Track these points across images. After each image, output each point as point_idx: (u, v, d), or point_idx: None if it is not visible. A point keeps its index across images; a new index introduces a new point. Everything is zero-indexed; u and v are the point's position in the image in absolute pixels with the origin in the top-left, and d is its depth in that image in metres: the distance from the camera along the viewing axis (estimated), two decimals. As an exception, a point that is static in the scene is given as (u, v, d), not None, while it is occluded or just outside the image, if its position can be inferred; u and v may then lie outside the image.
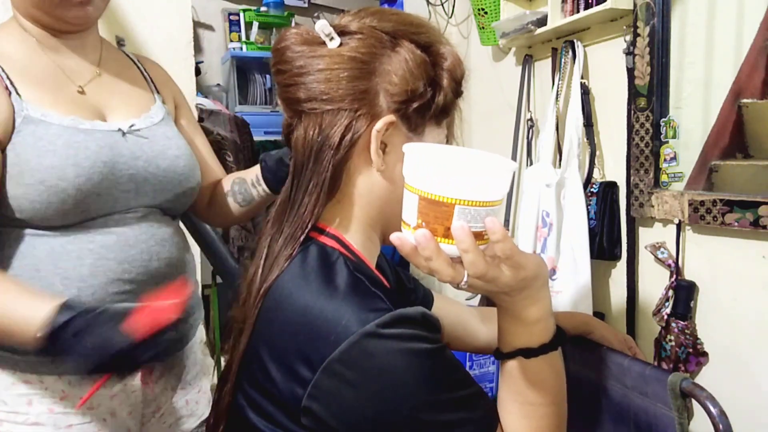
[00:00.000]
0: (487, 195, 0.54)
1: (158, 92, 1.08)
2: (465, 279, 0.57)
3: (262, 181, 1.04)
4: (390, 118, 0.65)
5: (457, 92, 0.71)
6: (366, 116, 0.65)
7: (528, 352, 0.63)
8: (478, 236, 0.55)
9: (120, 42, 1.15)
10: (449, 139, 0.74)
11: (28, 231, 0.88)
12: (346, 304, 0.59)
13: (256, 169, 1.05)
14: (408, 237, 0.57)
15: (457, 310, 1.00)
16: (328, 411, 0.57)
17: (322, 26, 0.66)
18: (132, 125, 0.96)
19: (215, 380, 1.34)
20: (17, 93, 0.87)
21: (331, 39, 0.66)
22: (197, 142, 1.14)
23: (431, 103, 0.68)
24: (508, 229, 1.78)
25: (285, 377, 0.60)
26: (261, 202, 1.07)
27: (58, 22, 0.92)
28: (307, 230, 0.66)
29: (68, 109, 0.91)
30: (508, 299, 0.61)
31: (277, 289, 0.65)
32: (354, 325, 0.57)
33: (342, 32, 0.67)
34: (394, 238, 0.58)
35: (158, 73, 1.13)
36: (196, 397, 1.10)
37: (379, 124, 0.65)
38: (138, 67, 1.10)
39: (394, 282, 0.89)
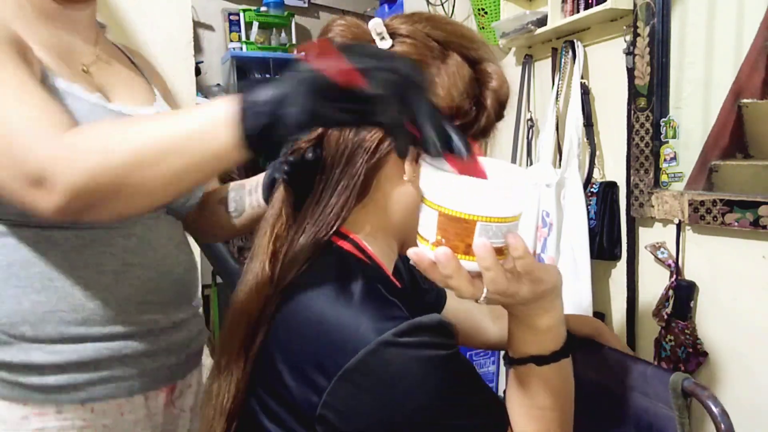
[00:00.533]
0: (509, 211, 0.53)
1: (148, 82, 0.97)
2: (484, 294, 0.56)
3: (260, 188, 0.89)
4: None
5: (499, 115, 0.69)
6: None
7: (539, 360, 0.63)
8: (499, 252, 0.54)
9: (101, 26, 1.02)
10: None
11: (34, 232, 0.74)
12: (362, 313, 0.58)
13: (258, 177, 0.91)
14: (426, 252, 0.56)
15: (468, 307, 1.00)
16: (343, 419, 0.57)
17: (376, 25, 0.64)
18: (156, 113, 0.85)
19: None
20: (38, 58, 0.74)
21: (383, 39, 0.64)
22: None
23: (474, 124, 0.66)
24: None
25: (299, 384, 0.59)
26: (252, 215, 0.91)
27: None
28: (331, 232, 0.65)
29: (88, 86, 0.79)
30: (524, 309, 0.61)
31: (291, 294, 0.64)
32: (371, 333, 0.56)
33: (393, 34, 0.65)
34: (411, 253, 0.57)
35: (146, 64, 1.02)
36: None
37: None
38: (127, 57, 0.97)
39: (409, 282, 0.89)
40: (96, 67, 0.85)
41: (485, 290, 0.56)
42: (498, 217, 0.52)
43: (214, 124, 0.54)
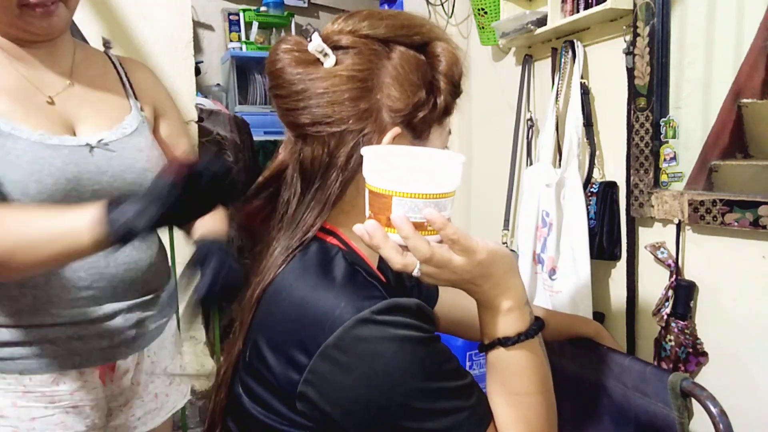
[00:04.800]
0: (423, 188, 0.57)
1: (136, 98, 1.06)
2: (417, 267, 0.59)
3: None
4: (396, 130, 0.65)
5: (455, 94, 0.70)
6: (372, 133, 0.65)
7: (506, 341, 0.64)
8: (421, 227, 0.58)
9: (106, 44, 1.11)
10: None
11: None
12: (342, 293, 0.60)
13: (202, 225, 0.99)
14: (359, 226, 0.61)
15: (465, 303, 1.00)
16: (322, 396, 0.59)
17: (316, 46, 0.65)
18: (101, 139, 0.95)
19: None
20: None
21: (326, 56, 0.65)
22: (179, 151, 1.11)
23: (434, 110, 0.68)
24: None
25: (282, 364, 0.61)
26: None
27: (23, 33, 0.91)
28: (305, 240, 0.67)
29: (38, 123, 0.90)
30: (475, 288, 0.63)
31: (276, 282, 0.66)
32: (349, 311, 0.58)
33: (335, 47, 0.66)
34: (355, 228, 0.60)
35: (141, 77, 1.10)
36: (166, 390, 1.11)
37: (386, 139, 0.65)
38: (118, 72, 1.07)
39: (394, 280, 0.90)
40: (64, 95, 0.96)
41: (418, 262, 0.59)
42: (412, 193, 0.57)
43: (79, 229, 0.74)
